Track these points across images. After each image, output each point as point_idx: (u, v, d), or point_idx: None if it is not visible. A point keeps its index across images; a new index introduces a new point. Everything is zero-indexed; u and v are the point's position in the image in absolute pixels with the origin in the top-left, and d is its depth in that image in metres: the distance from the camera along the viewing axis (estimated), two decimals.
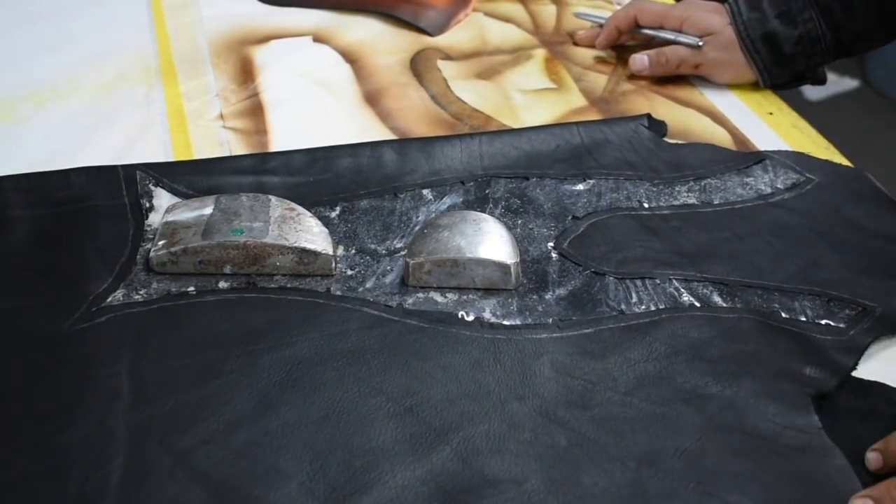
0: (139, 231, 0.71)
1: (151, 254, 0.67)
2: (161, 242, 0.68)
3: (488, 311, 0.66)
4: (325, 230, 0.70)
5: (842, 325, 0.65)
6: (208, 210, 0.70)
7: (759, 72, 0.89)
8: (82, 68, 0.93)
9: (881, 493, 0.53)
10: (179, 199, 0.74)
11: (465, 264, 0.67)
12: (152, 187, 0.75)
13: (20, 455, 0.55)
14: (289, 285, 0.67)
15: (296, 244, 0.67)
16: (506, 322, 0.65)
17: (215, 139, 0.84)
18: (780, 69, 0.89)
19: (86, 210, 0.73)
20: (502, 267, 0.67)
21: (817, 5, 0.87)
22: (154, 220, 0.72)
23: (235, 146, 0.83)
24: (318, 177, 0.78)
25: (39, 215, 0.72)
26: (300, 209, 0.71)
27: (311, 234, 0.69)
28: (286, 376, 0.60)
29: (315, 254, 0.67)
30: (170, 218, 0.70)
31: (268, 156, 0.80)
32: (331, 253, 0.68)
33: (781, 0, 0.87)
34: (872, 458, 0.56)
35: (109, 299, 0.65)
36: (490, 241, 0.67)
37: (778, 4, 0.88)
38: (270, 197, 0.71)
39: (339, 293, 0.67)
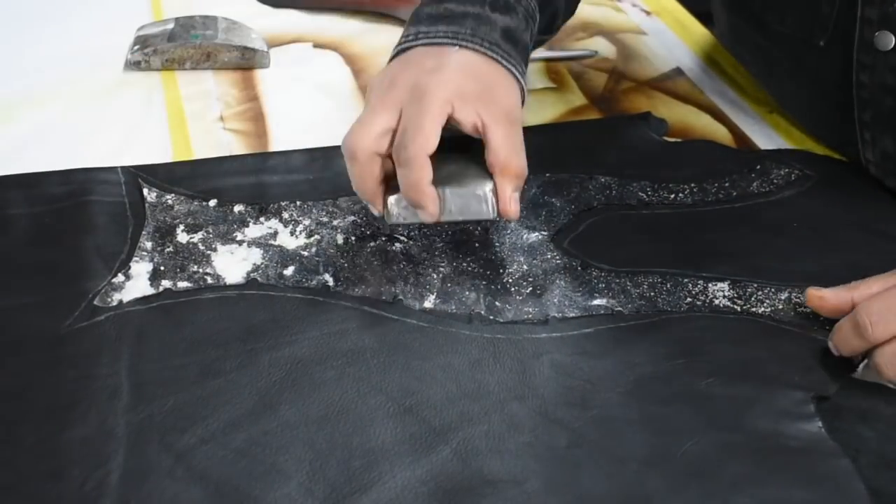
0: (139, 229, 0.71)
1: (128, 56, 0.89)
2: (136, 48, 0.90)
3: (485, 307, 0.66)
4: (261, 35, 0.93)
5: None
6: (170, 26, 0.93)
7: (520, 76, 0.67)
8: (82, 68, 0.93)
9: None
10: (177, 199, 0.74)
11: (441, 196, 0.64)
12: (152, 187, 0.75)
13: (20, 455, 0.55)
14: (289, 294, 0.67)
15: (240, 43, 0.91)
16: (501, 318, 0.65)
17: (216, 141, 0.83)
18: (526, 67, 0.70)
19: (85, 209, 0.73)
20: (478, 196, 0.64)
21: None
22: (154, 219, 0.72)
23: (236, 147, 0.83)
24: (317, 175, 0.78)
25: (38, 214, 0.73)
26: (241, 23, 0.94)
27: (251, 38, 0.92)
28: (286, 375, 0.60)
29: (253, 50, 0.91)
30: (141, 33, 0.92)
31: (267, 155, 0.81)
32: (266, 49, 0.91)
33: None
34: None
35: (109, 298, 0.65)
36: (469, 173, 0.65)
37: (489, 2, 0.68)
38: (216, 16, 0.94)
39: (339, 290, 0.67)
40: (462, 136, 0.65)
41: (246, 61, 0.90)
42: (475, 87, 0.64)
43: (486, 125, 0.63)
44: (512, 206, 0.64)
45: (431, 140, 0.62)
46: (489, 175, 0.64)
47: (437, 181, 0.63)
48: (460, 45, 0.66)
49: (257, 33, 0.93)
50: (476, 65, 0.65)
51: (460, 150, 0.66)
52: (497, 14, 0.67)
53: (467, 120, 0.63)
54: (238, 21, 0.95)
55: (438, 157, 0.63)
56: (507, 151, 0.63)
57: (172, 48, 0.89)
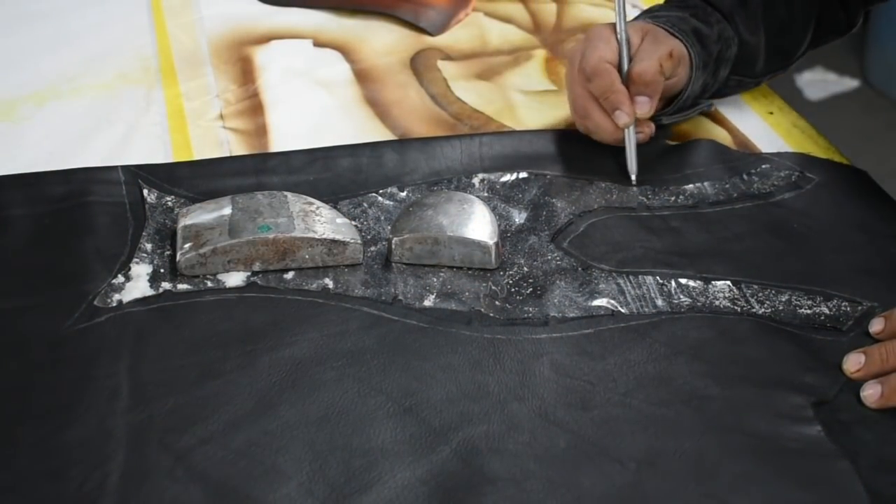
0: (139, 231, 0.71)
1: (179, 258, 0.67)
2: (187, 245, 0.67)
3: (484, 307, 0.66)
4: (348, 220, 0.71)
5: (842, 326, 0.65)
6: (227, 210, 0.70)
7: (693, 67, 0.79)
8: (82, 68, 0.93)
9: (872, 350, 0.62)
10: (177, 200, 0.74)
11: (445, 242, 0.68)
12: (152, 188, 0.75)
13: (19, 455, 0.55)
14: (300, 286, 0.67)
15: (324, 236, 0.68)
16: (501, 317, 0.65)
17: (215, 139, 0.84)
18: (703, 72, 0.81)
19: (85, 210, 0.73)
20: (482, 246, 0.68)
21: (720, 12, 0.83)
22: (154, 220, 0.72)
23: (235, 146, 0.83)
24: (317, 176, 0.78)
25: (39, 214, 0.73)
26: (318, 202, 0.71)
27: (336, 224, 0.69)
28: (286, 376, 0.60)
29: (344, 244, 0.68)
30: (188, 221, 0.69)
31: (267, 156, 0.81)
32: (359, 242, 0.69)
33: (685, 8, 0.83)
34: (876, 321, 0.64)
35: (109, 299, 0.65)
36: (472, 222, 0.69)
37: (688, 7, 0.83)
38: (286, 193, 0.72)
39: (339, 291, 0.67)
40: (461, 194, 0.72)
41: (334, 258, 0.69)
42: (647, 29, 0.80)
43: (641, 43, 0.78)
44: (639, 107, 0.76)
45: (607, 52, 0.77)
46: (490, 228, 0.69)
47: (441, 230, 0.68)
48: (654, 23, 0.80)
49: (340, 215, 0.71)
50: (661, 30, 0.79)
51: (460, 206, 0.70)
52: (693, 19, 0.81)
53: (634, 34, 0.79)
54: (312, 199, 0.72)
55: (441, 209, 0.70)
56: (644, 65, 0.76)
57: (238, 246, 0.67)
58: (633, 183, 0.77)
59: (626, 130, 0.77)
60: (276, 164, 0.79)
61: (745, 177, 0.79)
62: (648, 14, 0.84)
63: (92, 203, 0.73)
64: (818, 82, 2.29)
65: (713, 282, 0.68)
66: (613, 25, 0.78)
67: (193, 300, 0.66)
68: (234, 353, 0.62)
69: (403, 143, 0.82)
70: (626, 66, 0.77)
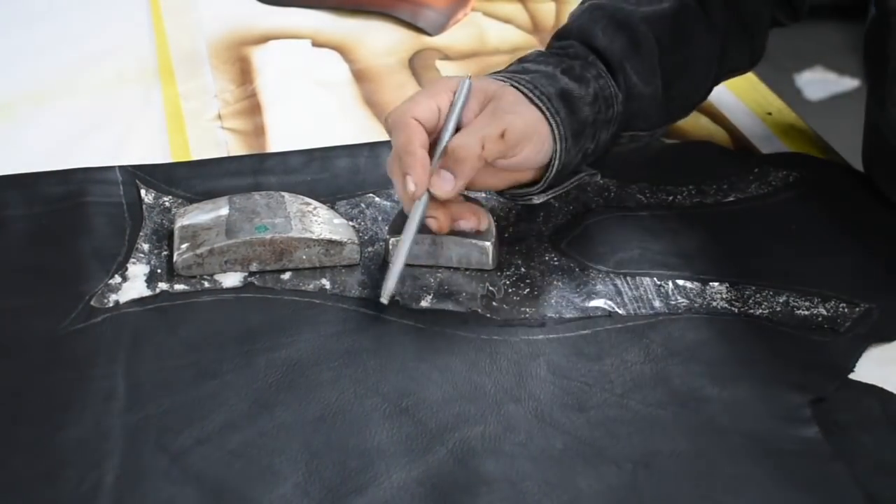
0: (136, 231, 0.71)
1: (176, 258, 0.67)
2: (184, 246, 0.67)
3: (481, 308, 0.66)
4: (345, 221, 0.71)
5: (839, 327, 0.65)
6: (224, 211, 0.70)
7: (557, 139, 0.66)
8: (82, 68, 0.93)
9: None
10: (175, 201, 0.74)
11: (443, 243, 0.68)
12: (149, 188, 0.75)
13: (15, 456, 0.55)
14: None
15: (321, 236, 0.68)
16: (498, 318, 0.65)
17: (213, 140, 0.84)
18: (575, 141, 0.68)
19: (83, 210, 0.73)
20: (479, 247, 0.68)
21: (603, 63, 0.71)
22: (152, 220, 0.72)
23: (234, 147, 0.83)
24: (315, 176, 0.78)
25: (36, 214, 0.73)
26: (315, 203, 0.71)
27: (333, 225, 0.69)
28: (282, 377, 0.60)
29: (341, 244, 0.68)
30: (185, 222, 0.69)
31: (265, 156, 0.81)
32: (356, 242, 0.69)
33: (560, 59, 0.70)
34: None
35: (106, 299, 0.65)
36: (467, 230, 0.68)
37: (566, 57, 0.70)
38: (283, 193, 0.72)
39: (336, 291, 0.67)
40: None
41: (331, 259, 0.69)
42: (493, 95, 0.67)
43: (480, 114, 0.66)
44: (437, 182, 0.63)
45: (418, 107, 0.64)
46: (488, 232, 0.68)
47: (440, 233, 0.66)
48: (512, 84, 0.67)
49: (337, 216, 0.71)
50: (514, 95, 0.66)
51: None
52: (564, 77, 0.68)
53: (471, 107, 0.66)
54: (310, 200, 0.72)
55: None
56: (462, 140, 0.64)
57: (235, 247, 0.67)
58: (384, 301, 0.64)
59: (415, 205, 0.64)
60: (274, 164, 0.79)
61: (742, 177, 0.79)
62: (521, 63, 0.71)
63: (89, 203, 0.73)
64: (818, 82, 2.29)
65: (710, 283, 0.68)
66: (468, 80, 0.66)
67: (190, 301, 0.66)
68: (231, 353, 0.62)
69: None
70: (446, 138, 0.65)
